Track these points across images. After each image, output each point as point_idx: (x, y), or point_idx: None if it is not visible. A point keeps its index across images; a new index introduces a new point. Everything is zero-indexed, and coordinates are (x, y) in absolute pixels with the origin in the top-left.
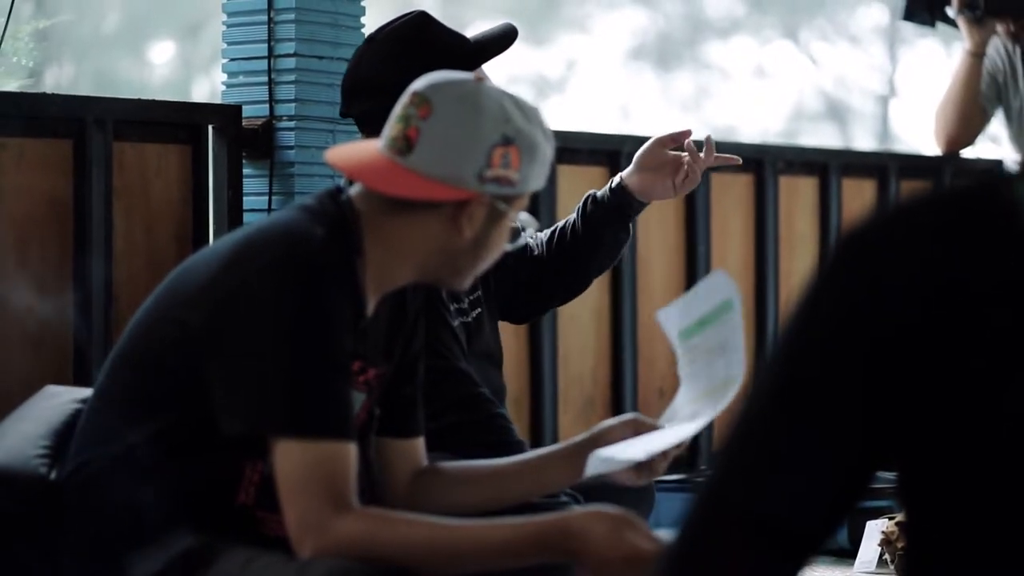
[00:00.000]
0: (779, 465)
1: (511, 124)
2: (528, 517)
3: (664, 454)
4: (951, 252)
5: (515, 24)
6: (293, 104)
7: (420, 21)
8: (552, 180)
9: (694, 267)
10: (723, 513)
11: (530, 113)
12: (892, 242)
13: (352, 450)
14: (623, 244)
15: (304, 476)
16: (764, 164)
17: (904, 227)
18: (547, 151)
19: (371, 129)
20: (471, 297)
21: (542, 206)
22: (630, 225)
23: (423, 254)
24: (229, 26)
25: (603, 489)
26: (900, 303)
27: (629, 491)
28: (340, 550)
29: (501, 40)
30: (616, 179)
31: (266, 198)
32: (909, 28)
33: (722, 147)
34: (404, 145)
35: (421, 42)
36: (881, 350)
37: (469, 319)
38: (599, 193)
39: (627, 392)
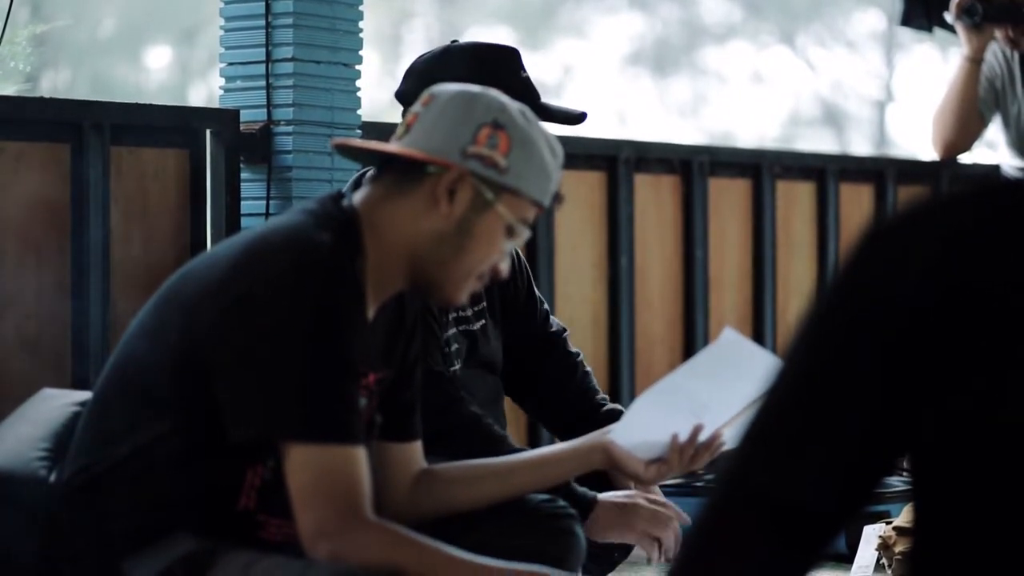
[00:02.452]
0: (797, 451)
1: (505, 114)
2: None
3: (682, 451)
4: (969, 253)
5: (513, 29)
6: (291, 108)
7: (509, 56)
8: None
9: (692, 272)
10: (740, 498)
11: (533, 120)
12: (911, 240)
13: (363, 454)
14: None
15: (319, 481)
16: (761, 169)
17: (923, 227)
18: (546, 157)
19: None
20: (475, 308)
21: None
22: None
23: (411, 241)
24: (227, 30)
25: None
26: (917, 299)
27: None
28: (356, 559)
29: (566, 115)
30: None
31: (264, 202)
32: (906, 34)
33: (720, 152)
34: (403, 131)
35: (496, 74)
36: (898, 343)
37: (473, 327)
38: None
39: (625, 399)
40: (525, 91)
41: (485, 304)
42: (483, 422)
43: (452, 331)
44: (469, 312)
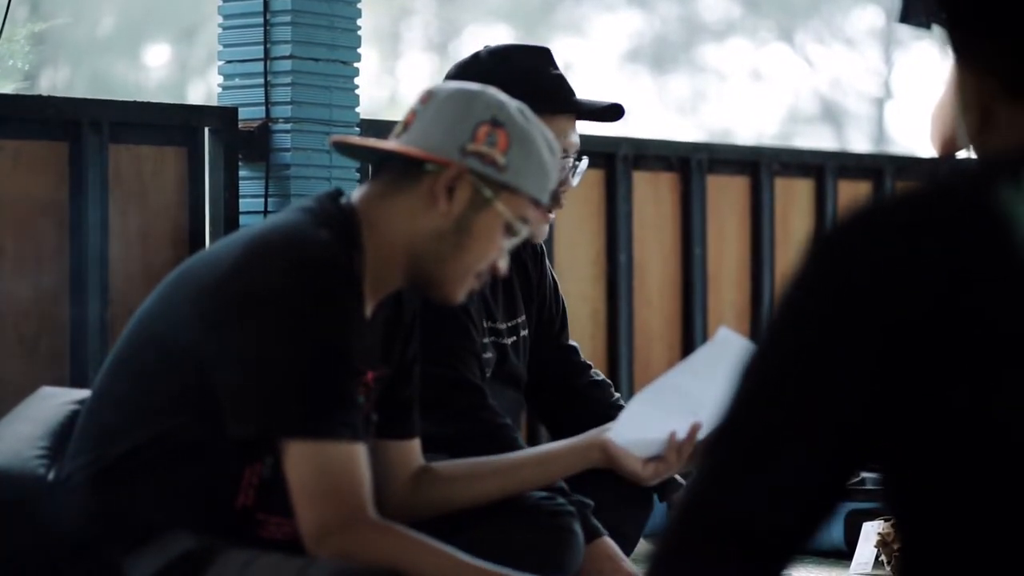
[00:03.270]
0: (757, 467)
1: (504, 112)
2: None
3: (680, 450)
4: (936, 262)
5: (512, 27)
6: (289, 106)
7: (541, 55)
8: None
9: (690, 269)
10: (700, 515)
11: (532, 118)
12: (875, 244)
13: (363, 451)
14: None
15: (320, 478)
16: (760, 166)
17: (889, 232)
18: (545, 155)
19: None
20: (509, 323)
21: None
22: None
23: (410, 238)
24: (225, 28)
25: (602, 490)
26: (884, 307)
27: (627, 494)
28: (359, 558)
29: (602, 111)
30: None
31: (262, 200)
32: (905, 30)
33: (718, 149)
34: (402, 129)
35: (528, 73)
36: (863, 352)
37: (505, 341)
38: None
39: (623, 396)
40: (559, 88)
41: (521, 320)
42: (508, 434)
43: (486, 340)
44: (503, 326)
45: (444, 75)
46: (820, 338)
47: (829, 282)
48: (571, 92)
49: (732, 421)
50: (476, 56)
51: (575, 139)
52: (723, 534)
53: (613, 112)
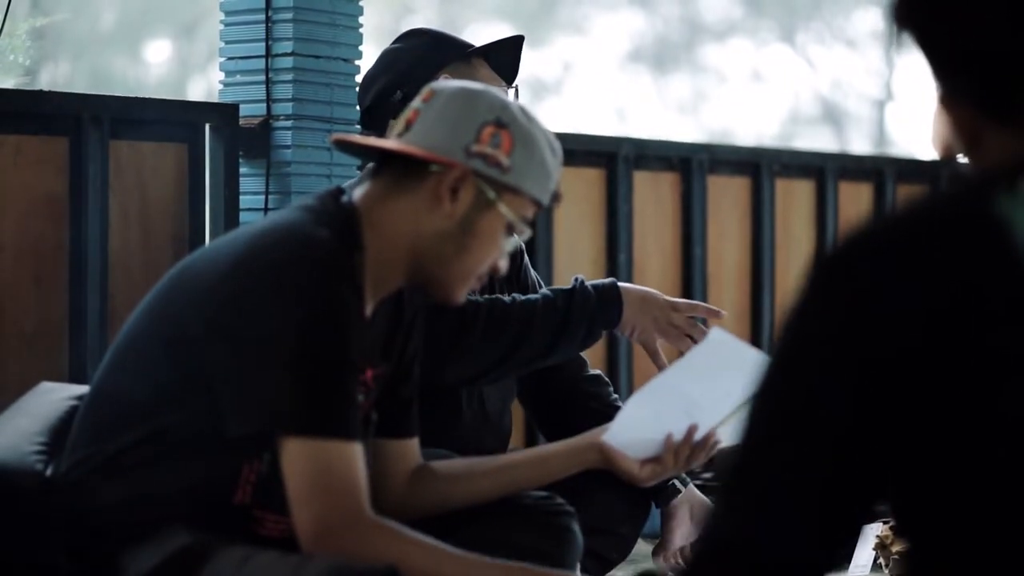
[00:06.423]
0: (772, 500)
1: (507, 112)
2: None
3: (677, 452)
4: (939, 273)
5: (512, 26)
6: (290, 103)
7: (434, 30)
8: None
9: (690, 270)
10: (719, 552)
11: (534, 118)
12: (878, 265)
13: (360, 450)
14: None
15: (317, 477)
16: (760, 167)
17: (890, 248)
18: (547, 156)
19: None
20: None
21: None
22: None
23: (412, 238)
24: (227, 25)
25: (600, 491)
26: (888, 328)
27: (625, 495)
28: (357, 558)
29: (505, 42)
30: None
31: (262, 197)
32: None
33: (719, 150)
34: (404, 127)
35: (445, 42)
36: (871, 376)
37: None
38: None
39: (622, 396)
40: (455, 38)
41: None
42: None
43: None
44: None
45: (361, 87)
46: (826, 363)
47: (832, 307)
48: (470, 45)
49: (746, 451)
50: (384, 52)
51: (492, 74)
52: (742, 570)
53: (515, 44)
